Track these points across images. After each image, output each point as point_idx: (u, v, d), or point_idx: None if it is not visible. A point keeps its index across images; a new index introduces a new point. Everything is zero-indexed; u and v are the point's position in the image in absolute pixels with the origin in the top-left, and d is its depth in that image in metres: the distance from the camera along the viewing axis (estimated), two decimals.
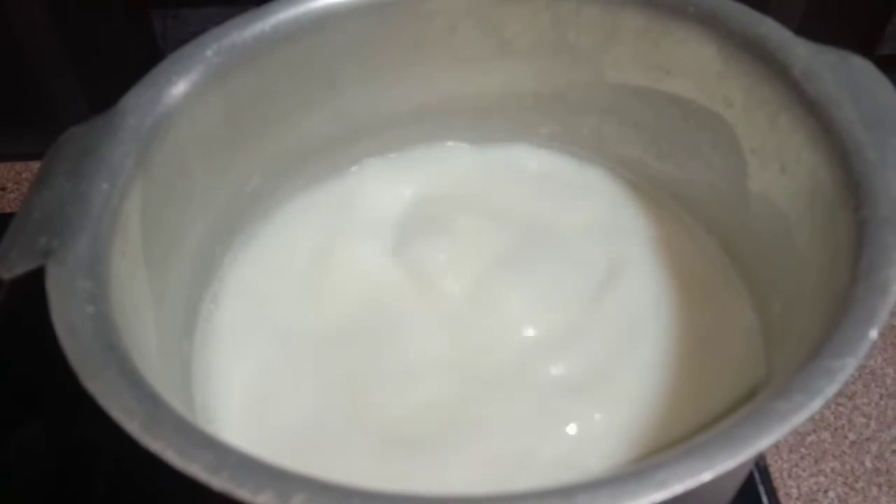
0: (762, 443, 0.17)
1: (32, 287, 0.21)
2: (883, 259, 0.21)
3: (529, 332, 0.29)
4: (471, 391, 0.28)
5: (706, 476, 0.17)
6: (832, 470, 0.38)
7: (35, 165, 0.43)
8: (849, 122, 0.24)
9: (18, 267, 0.22)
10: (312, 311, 0.31)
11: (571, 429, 0.26)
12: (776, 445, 0.39)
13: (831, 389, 0.18)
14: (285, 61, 0.30)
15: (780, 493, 0.37)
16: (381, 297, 0.31)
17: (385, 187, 0.35)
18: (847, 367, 0.18)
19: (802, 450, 0.39)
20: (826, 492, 0.38)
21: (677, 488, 0.16)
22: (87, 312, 0.20)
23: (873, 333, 0.19)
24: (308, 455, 0.26)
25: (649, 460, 0.17)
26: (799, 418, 0.17)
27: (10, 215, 0.24)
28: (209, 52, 0.28)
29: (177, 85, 0.27)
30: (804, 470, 0.39)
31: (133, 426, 0.18)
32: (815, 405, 0.18)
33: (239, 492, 0.16)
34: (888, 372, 0.42)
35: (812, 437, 0.40)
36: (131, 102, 0.26)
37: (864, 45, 0.51)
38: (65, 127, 0.26)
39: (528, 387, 0.28)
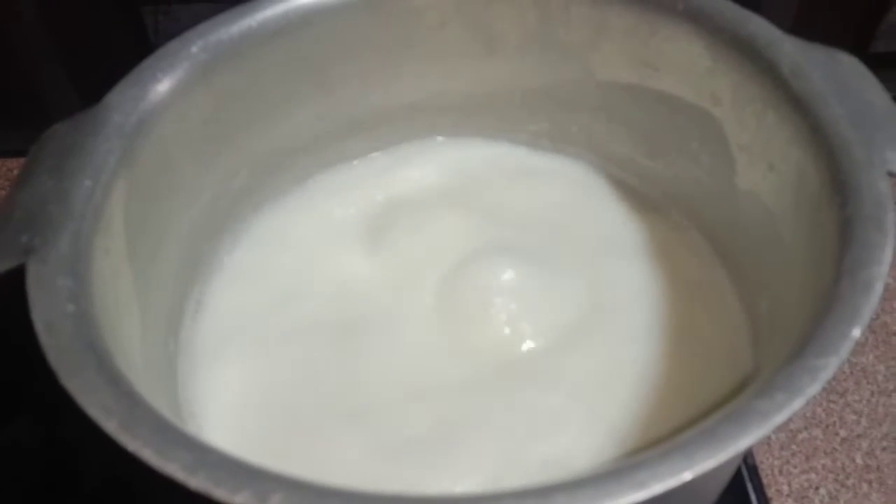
0: (743, 442, 0.17)
1: (19, 283, 0.21)
2: (867, 257, 0.20)
3: (516, 330, 0.29)
4: (458, 391, 0.28)
5: (686, 476, 0.17)
6: (823, 467, 0.38)
7: None
8: (836, 120, 0.24)
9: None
10: (299, 309, 0.31)
11: (560, 427, 0.26)
12: (766, 442, 0.39)
13: (813, 389, 0.18)
14: (272, 58, 0.30)
15: (771, 490, 0.37)
16: (369, 295, 0.31)
17: (373, 184, 0.34)
18: (829, 367, 0.18)
19: (793, 446, 0.39)
20: (817, 488, 0.38)
21: (657, 488, 0.16)
22: (67, 311, 0.20)
23: (856, 332, 0.19)
24: (294, 454, 0.26)
25: (630, 459, 0.17)
26: (780, 417, 0.17)
27: None
28: (195, 49, 0.28)
29: (162, 82, 0.27)
30: (795, 467, 0.38)
31: (111, 425, 0.18)
32: (797, 404, 0.18)
33: (216, 491, 0.16)
34: (879, 369, 0.42)
35: (803, 434, 0.40)
36: (116, 99, 0.26)
37: (858, 42, 0.50)
38: (56, 123, 0.26)
39: (516, 386, 0.28)
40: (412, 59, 0.33)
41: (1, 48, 0.48)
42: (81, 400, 0.18)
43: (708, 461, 0.17)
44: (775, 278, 0.27)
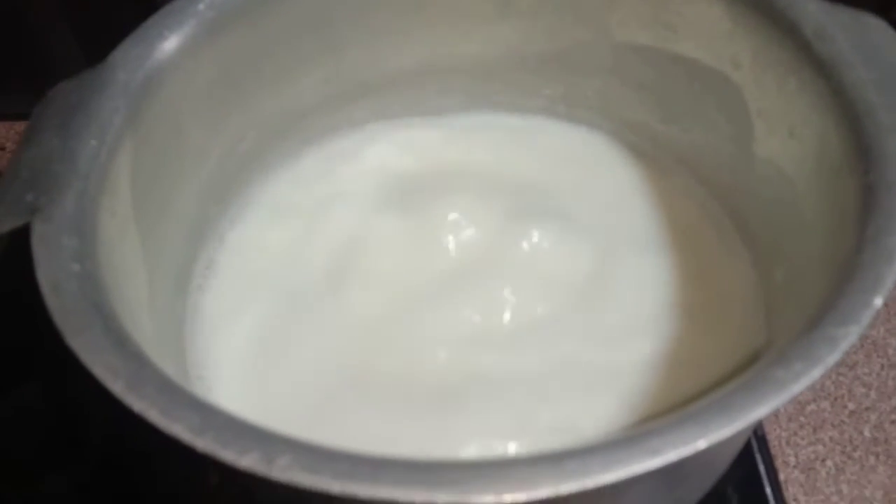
0: (759, 411, 0.17)
1: (24, 242, 0.21)
2: (890, 225, 0.20)
3: (530, 296, 0.29)
4: (470, 354, 0.27)
5: (701, 444, 0.16)
6: (830, 439, 0.38)
7: None
8: (861, 84, 0.23)
9: (4, 224, 0.21)
10: (308, 273, 0.30)
11: (569, 394, 0.26)
12: (774, 413, 0.38)
13: (832, 358, 0.17)
14: (281, 17, 0.29)
15: (778, 461, 0.37)
16: (380, 260, 0.31)
17: (383, 149, 0.34)
18: (850, 336, 0.18)
19: (801, 418, 0.39)
20: (824, 460, 0.38)
21: (671, 456, 0.16)
22: (72, 270, 0.20)
23: (878, 301, 0.18)
24: (301, 417, 0.26)
25: (643, 427, 0.17)
26: (798, 387, 0.17)
27: None
28: (202, 6, 0.27)
29: (168, 39, 0.26)
30: (802, 438, 0.38)
31: (117, 385, 0.17)
32: (815, 374, 0.17)
33: (223, 453, 0.16)
34: (890, 342, 0.42)
35: (812, 406, 0.39)
36: (121, 57, 0.26)
37: (881, 8, 0.49)
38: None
39: (528, 351, 0.27)
40: (423, 21, 0.32)
41: (6, 10, 0.47)
42: (87, 360, 0.18)
43: (723, 430, 0.17)
44: (792, 246, 0.26)
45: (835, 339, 0.18)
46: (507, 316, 0.28)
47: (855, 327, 0.18)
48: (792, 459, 0.38)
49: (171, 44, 0.26)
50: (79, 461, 0.33)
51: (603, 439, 0.17)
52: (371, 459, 0.16)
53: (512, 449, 0.25)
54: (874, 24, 0.25)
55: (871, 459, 0.38)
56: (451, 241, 0.30)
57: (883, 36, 0.25)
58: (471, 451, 0.25)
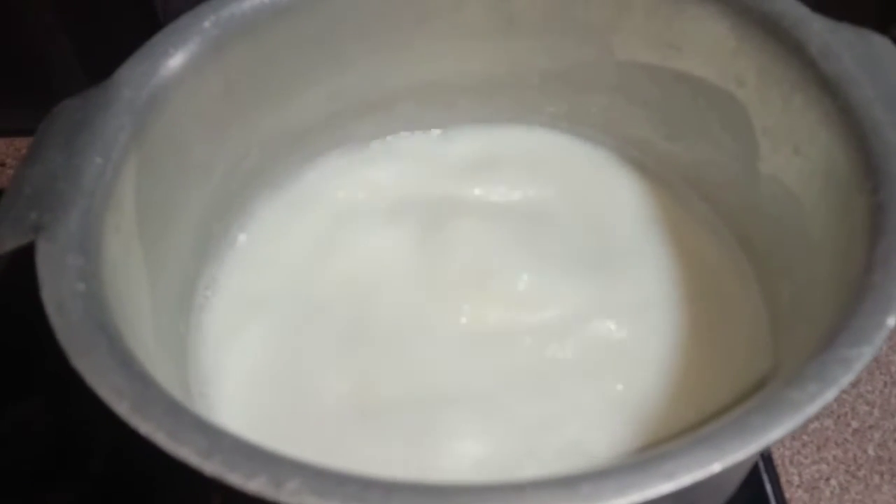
0: (774, 434, 0.17)
1: (28, 261, 0.21)
2: None
3: (537, 317, 0.28)
4: (476, 376, 0.27)
5: (716, 467, 0.16)
6: (834, 458, 0.38)
7: None
8: (866, 102, 0.23)
9: (7, 243, 0.21)
10: (310, 292, 0.30)
11: (578, 416, 0.26)
12: None
13: (846, 379, 0.17)
14: (285, 34, 0.29)
15: (782, 481, 0.37)
16: (381, 279, 0.30)
17: (386, 166, 0.34)
18: (863, 356, 0.18)
19: (805, 437, 0.39)
20: (828, 479, 0.37)
21: (685, 479, 0.16)
22: (77, 290, 0.20)
23: (891, 321, 0.18)
24: (303, 437, 0.26)
25: (657, 450, 0.17)
26: (813, 408, 0.17)
27: None
28: (207, 24, 0.27)
29: (173, 57, 0.26)
30: (806, 457, 0.38)
31: (122, 407, 0.17)
32: (830, 395, 0.17)
33: (231, 476, 0.16)
34: (893, 360, 0.42)
35: (815, 425, 0.39)
36: (126, 74, 0.25)
37: (879, 26, 0.49)
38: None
39: (535, 374, 0.27)
40: (428, 38, 0.32)
41: (8, 25, 0.47)
42: (92, 381, 0.18)
43: (737, 453, 0.16)
44: (799, 265, 0.26)
45: (848, 360, 0.18)
46: (513, 340, 0.28)
47: (868, 348, 0.18)
48: (796, 479, 0.37)
49: (176, 61, 0.26)
50: (80, 479, 0.33)
51: (616, 462, 0.16)
52: (381, 483, 0.16)
53: (522, 472, 0.24)
54: (878, 42, 0.25)
55: (876, 478, 0.37)
56: (455, 261, 0.30)
57: (887, 54, 0.25)
58: (479, 472, 0.24)
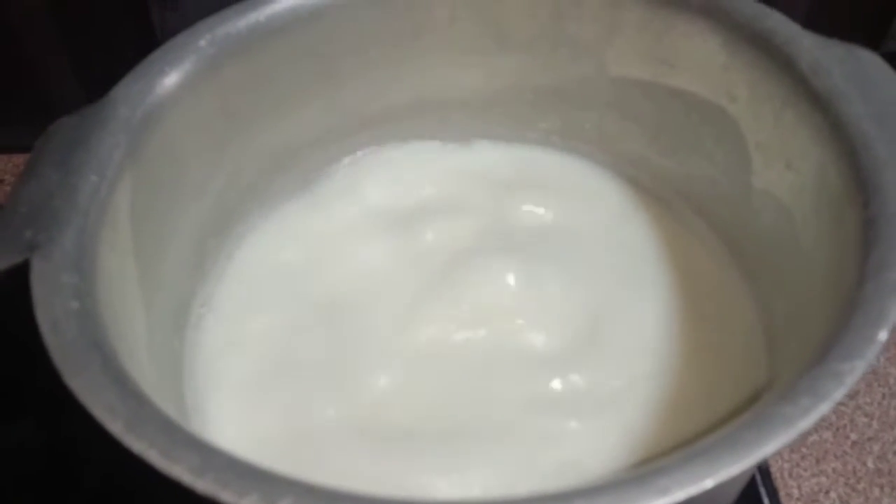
0: (767, 448, 0.17)
1: (23, 279, 0.21)
2: (892, 258, 0.20)
3: (531, 335, 0.29)
4: (470, 393, 0.27)
5: (708, 483, 0.16)
6: (834, 470, 0.38)
7: None
8: (857, 117, 0.23)
9: (2, 261, 0.21)
10: (307, 307, 0.30)
11: (572, 433, 0.26)
12: None
13: (839, 393, 0.17)
14: (280, 52, 0.29)
15: (781, 494, 0.37)
16: (378, 294, 0.30)
17: (381, 181, 0.34)
18: (856, 371, 0.18)
19: (804, 449, 0.39)
20: (827, 492, 0.37)
21: (679, 495, 0.16)
22: (71, 308, 0.20)
23: (882, 336, 0.18)
24: (298, 454, 0.26)
25: (650, 465, 0.17)
26: (806, 423, 0.17)
27: None
28: (202, 42, 0.27)
29: (169, 75, 0.26)
30: (805, 470, 0.38)
31: (116, 426, 0.17)
32: (823, 409, 0.17)
33: (224, 494, 0.16)
34: (891, 372, 0.42)
35: (814, 437, 0.39)
36: (122, 93, 0.26)
37: (869, 42, 0.50)
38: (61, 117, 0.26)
39: (530, 390, 0.27)
40: (421, 55, 0.32)
41: (6, 42, 0.47)
42: (86, 400, 0.18)
43: (731, 468, 0.16)
44: (792, 280, 0.26)
45: (840, 374, 0.18)
46: (507, 353, 0.28)
47: (860, 362, 0.18)
48: (795, 492, 0.37)
49: (171, 79, 0.26)
50: (74, 498, 0.33)
51: (610, 478, 0.16)
52: (374, 500, 0.16)
53: (517, 488, 0.24)
54: (868, 59, 0.26)
55: (876, 491, 0.37)
56: (451, 276, 0.30)
57: (877, 70, 0.25)
58: (475, 490, 0.24)
